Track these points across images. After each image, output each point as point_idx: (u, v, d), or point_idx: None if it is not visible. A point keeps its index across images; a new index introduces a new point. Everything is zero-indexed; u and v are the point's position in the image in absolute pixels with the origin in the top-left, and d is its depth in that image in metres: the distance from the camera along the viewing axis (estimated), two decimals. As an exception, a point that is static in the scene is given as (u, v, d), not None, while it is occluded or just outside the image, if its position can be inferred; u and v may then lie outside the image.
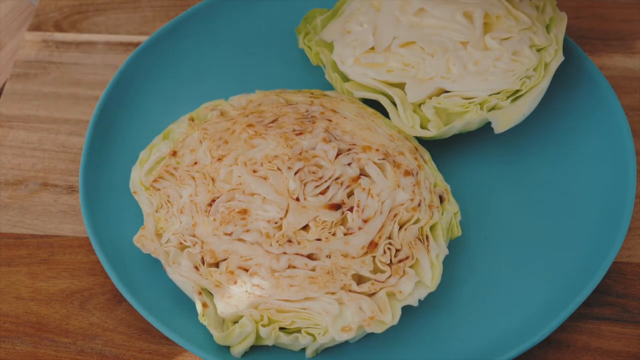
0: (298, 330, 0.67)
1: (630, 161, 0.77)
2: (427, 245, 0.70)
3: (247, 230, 0.70)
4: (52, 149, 0.85)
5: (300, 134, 0.75)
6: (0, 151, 0.85)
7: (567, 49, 0.85)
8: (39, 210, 0.81)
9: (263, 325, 0.67)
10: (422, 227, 0.71)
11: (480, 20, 0.79)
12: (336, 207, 0.71)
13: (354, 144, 0.75)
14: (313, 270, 0.68)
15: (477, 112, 0.76)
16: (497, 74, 0.77)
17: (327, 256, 0.69)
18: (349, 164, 0.73)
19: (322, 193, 0.72)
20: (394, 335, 0.71)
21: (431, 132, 0.76)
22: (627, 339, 0.73)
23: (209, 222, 0.71)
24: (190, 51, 0.89)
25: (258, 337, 0.67)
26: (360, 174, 0.73)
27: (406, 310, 0.70)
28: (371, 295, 0.68)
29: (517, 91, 0.77)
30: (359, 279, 0.69)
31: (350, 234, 0.70)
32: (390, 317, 0.67)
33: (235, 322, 0.68)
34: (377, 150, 0.74)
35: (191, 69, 0.88)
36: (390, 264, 0.69)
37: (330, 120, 0.77)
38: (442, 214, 0.72)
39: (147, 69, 0.86)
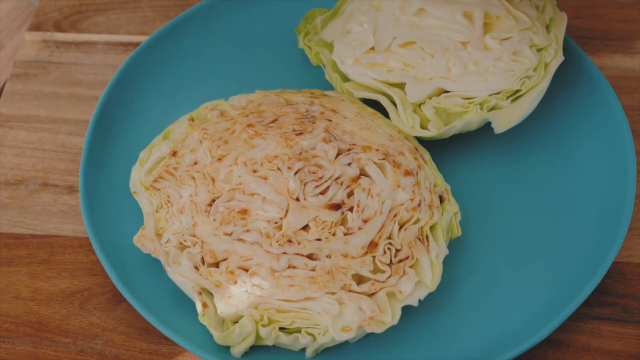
0: (298, 330, 0.67)
1: (630, 161, 0.77)
2: (427, 245, 0.70)
3: (247, 230, 0.70)
4: (52, 149, 0.85)
5: (300, 134, 0.75)
6: (0, 151, 0.85)
7: (567, 49, 0.85)
8: (39, 210, 0.81)
9: (263, 325, 0.67)
10: (422, 227, 0.71)
11: (480, 20, 0.79)
12: (336, 207, 0.71)
13: (354, 144, 0.75)
14: (313, 270, 0.68)
15: (477, 112, 0.76)
16: (497, 74, 0.77)
17: (327, 256, 0.69)
18: (349, 164, 0.73)
19: (322, 193, 0.72)
20: (394, 335, 0.71)
21: (431, 132, 0.76)
22: (627, 339, 0.72)
23: (209, 222, 0.71)
24: (190, 51, 0.89)
25: (258, 337, 0.67)
26: (360, 174, 0.73)
27: (406, 310, 0.70)
28: (371, 295, 0.68)
29: (517, 91, 0.77)
30: (359, 279, 0.69)
31: (350, 234, 0.70)
32: (390, 317, 0.67)
33: (235, 322, 0.68)
34: (377, 150, 0.74)
35: (191, 69, 0.88)
36: (390, 264, 0.69)
37: (330, 120, 0.77)
38: (442, 214, 0.72)
39: (147, 69, 0.86)
